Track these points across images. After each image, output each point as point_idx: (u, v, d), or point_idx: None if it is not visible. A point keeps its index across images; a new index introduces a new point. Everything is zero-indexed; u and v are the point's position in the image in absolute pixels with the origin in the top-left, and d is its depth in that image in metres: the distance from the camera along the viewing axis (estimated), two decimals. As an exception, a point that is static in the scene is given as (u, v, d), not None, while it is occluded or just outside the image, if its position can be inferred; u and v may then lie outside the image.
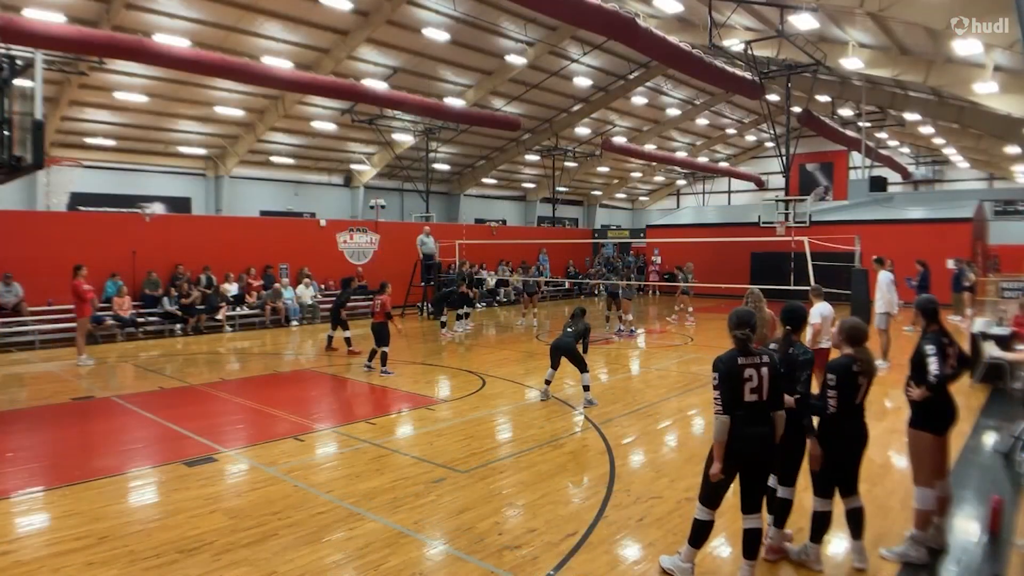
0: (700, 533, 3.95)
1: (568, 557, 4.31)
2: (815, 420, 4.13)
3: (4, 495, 5.41)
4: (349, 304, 13.42)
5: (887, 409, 8.13)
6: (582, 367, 8.42)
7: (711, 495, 3.90)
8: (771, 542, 4.29)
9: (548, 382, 8.72)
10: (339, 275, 19.95)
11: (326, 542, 4.54)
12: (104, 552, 4.39)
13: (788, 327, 4.22)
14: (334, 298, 19.65)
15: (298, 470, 6.04)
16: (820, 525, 4.19)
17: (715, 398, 3.75)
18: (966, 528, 4.88)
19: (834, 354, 4.51)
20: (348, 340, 12.61)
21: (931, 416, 4.26)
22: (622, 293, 15.65)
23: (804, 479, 4.26)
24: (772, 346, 4.19)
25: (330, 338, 13.02)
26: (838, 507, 4.20)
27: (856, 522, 4.18)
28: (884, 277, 11.41)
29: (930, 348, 4.18)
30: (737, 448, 3.73)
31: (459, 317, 15.70)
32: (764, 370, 3.74)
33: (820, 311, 7.70)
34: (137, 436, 7.32)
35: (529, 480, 5.76)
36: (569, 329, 8.60)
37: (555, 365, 8.53)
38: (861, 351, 4.10)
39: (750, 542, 3.85)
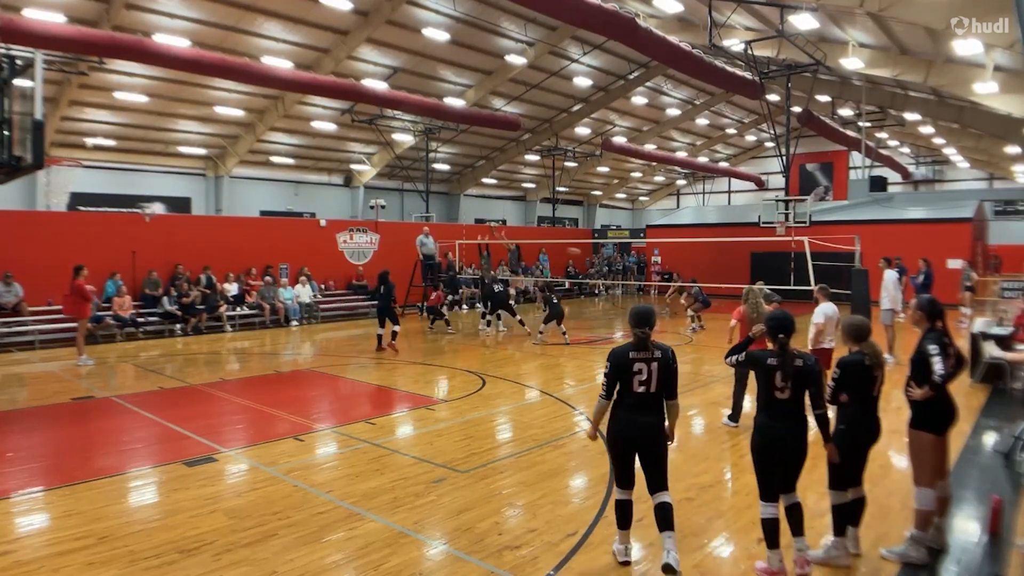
0: (619, 513, 4.23)
1: (568, 557, 4.30)
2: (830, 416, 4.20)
3: (4, 495, 5.41)
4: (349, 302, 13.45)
5: (887, 409, 8.10)
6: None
7: (618, 476, 4.23)
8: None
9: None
10: (340, 275, 20.00)
11: (326, 542, 4.54)
12: (104, 552, 4.39)
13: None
14: (334, 298, 19.60)
15: (298, 470, 6.04)
16: (841, 517, 4.24)
17: (602, 383, 4.12)
18: (966, 528, 4.88)
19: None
20: (394, 334, 12.59)
21: (931, 416, 4.26)
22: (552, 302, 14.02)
23: (803, 480, 4.24)
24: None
25: (380, 336, 12.91)
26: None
27: (857, 511, 4.29)
28: (889, 276, 11.84)
29: (933, 348, 4.18)
30: (624, 433, 4.09)
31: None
32: (654, 365, 4.05)
33: (824, 311, 7.76)
34: (137, 436, 7.32)
35: (529, 480, 5.76)
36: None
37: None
38: (867, 346, 4.25)
39: (662, 516, 4.05)
